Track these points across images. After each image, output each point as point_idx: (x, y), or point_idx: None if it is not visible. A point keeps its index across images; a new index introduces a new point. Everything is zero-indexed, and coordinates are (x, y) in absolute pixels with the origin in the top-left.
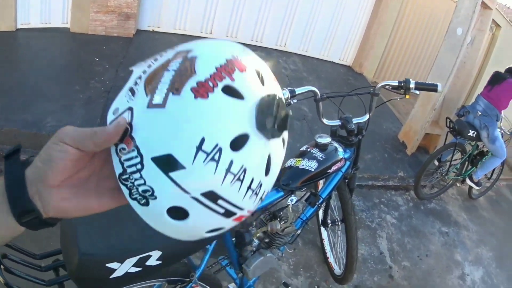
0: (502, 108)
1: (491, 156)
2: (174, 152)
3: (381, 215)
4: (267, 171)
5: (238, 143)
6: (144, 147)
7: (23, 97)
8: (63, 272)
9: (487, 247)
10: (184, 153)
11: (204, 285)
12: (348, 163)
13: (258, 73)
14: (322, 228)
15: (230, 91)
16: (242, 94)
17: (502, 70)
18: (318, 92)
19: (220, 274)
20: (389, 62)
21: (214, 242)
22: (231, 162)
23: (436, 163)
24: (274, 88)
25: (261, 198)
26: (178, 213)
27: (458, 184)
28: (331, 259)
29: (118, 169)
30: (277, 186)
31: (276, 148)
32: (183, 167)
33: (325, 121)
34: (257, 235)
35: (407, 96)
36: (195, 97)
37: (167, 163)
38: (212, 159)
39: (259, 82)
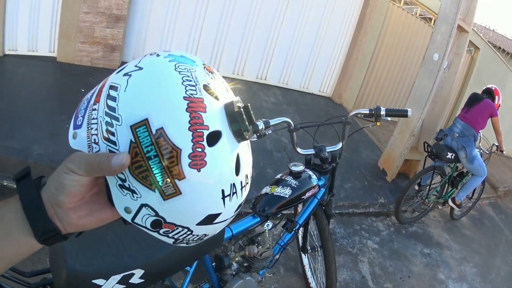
0: (479, 128)
1: (471, 176)
2: (211, 211)
3: (362, 241)
4: (237, 172)
5: (238, 167)
6: (185, 222)
7: (9, 123)
8: None
9: (471, 264)
10: (216, 207)
11: None
12: (323, 190)
13: (223, 82)
14: (303, 254)
15: (213, 139)
16: (219, 132)
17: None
18: (292, 123)
19: None
20: (368, 91)
21: (195, 264)
22: (241, 183)
23: (416, 187)
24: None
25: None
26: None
27: (439, 207)
28: (312, 285)
29: (169, 241)
30: (253, 212)
31: (244, 151)
32: (220, 213)
33: (299, 150)
34: (236, 259)
35: (378, 123)
36: (198, 170)
37: (209, 219)
38: (234, 192)
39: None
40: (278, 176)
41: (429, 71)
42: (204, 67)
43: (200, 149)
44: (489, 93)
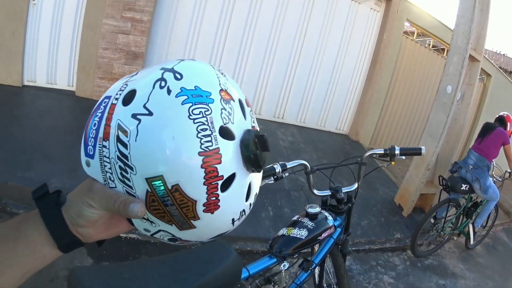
0: (492, 158)
1: (485, 203)
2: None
3: (378, 276)
4: (247, 198)
5: (248, 194)
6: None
7: (27, 154)
8: None
9: None
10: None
11: None
12: (339, 229)
13: (241, 104)
14: None
15: (227, 184)
16: (233, 174)
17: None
18: (308, 165)
19: None
20: (384, 127)
21: None
22: (250, 205)
23: (432, 220)
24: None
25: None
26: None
27: (455, 238)
28: None
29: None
30: (270, 253)
31: (256, 176)
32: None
33: (316, 192)
34: None
35: (393, 163)
36: (212, 213)
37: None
38: (243, 215)
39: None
40: (295, 217)
41: (443, 104)
42: (221, 98)
43: (214, 198)
44: (501, 121)
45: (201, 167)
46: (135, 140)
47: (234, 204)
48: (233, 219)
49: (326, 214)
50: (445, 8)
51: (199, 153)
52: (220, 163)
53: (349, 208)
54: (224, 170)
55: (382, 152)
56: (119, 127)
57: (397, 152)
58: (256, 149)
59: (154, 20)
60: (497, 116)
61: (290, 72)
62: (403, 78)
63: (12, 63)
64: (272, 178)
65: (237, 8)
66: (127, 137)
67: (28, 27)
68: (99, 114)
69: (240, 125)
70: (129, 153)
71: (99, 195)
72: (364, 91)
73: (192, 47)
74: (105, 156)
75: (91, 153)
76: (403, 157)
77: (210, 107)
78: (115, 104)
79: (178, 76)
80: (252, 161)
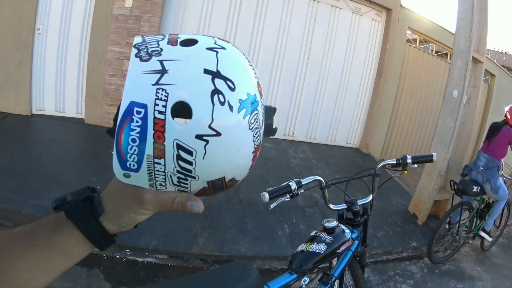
0: (501, 157)
1: (495, 202)
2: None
3: (397, 285)
4: None
5: None
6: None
7: (39, 182)
8: None
9: None
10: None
11: None
12: (356, 242)
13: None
14: None
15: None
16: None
17: (502, 118)
18: (323, 181)
19: None
20: (394, 137)
21: None
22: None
23: (447, 226)
24: None
25: None
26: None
27: (470, 241)
28: None
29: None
30: (290, 269)
31: None
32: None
33: (331, 206)
34: None
35: (406, 172)
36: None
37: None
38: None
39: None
40: (313, 233)
41: (450, 109)
42: (260, 95)
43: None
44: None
45: (251, 160)
46: (203, 158)
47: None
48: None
49: (343, 227)
50: (444, 12)
51: (252, 152)
52: (259, 150)
53: (365, 220)
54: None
55: (395, 162)
56: (180, 147)
57: (409, 161)
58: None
59: None
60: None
61: (297, 89)
62: (409, 86)
63: (20, 92)
64: (288, 195)
65: (240, 30)
66: (192, 156)
67: (34, 56)
68: (137, 129)
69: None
70: (193, 168)
71: (153, 204)
72: (372, 102)
73: None
74: (157, 170)
75: (133, 167)
76: (416, 166)
77: (258, 110)
78: (163, 119)
79: (231, 86)
80: (270, 131)
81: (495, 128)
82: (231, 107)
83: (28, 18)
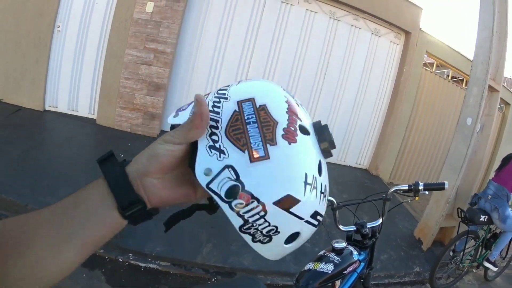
0: (511, 188)
1: (502, 233)
2: (291, 192)
3: None
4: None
5: (320, 169)
6: (263, 196)
7: (49, 180)
8: None
9: None
10: (297, 189)
11: None
12: (363, 264)
13: (301, 105)
14: None
15: (304, 130)
16: (308, 130)
17: None
18: (335, 202)
19: None
20: (404, 160)
21: None
22: (321, 185)
23: (451, 253)
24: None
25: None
26: (292, 237)
27: (474, 270)
28: None
29: (237, 223)
30: (296, 287)
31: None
32: (299, 201)
33: (341, 227)
34: None
35: (417, 198)
36: (289, 143)
37: (287, 202)
38: (314, 187)
39: (306, 113)
40: (321, 252)
41: (463, 136)
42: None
43: (293, 128)
44: None
45: (285, 102)
46: (236, 85)
47: (308, 156)
48: (306, 176)
49: (352, 249)
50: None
51: (285, 100)
52: (298, 115)
53: (373, 243)
54: (302, 117)
55: (407, 188)
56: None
57: (421, 187)
58: (326, 130)
59: (177, 52)
60: None
61: (311, 105)
62: (423, 111)
63: (34, 87)
64: None
65: (259, 43)
66: (227, 88)
67: (52, 53)
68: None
69: (309, 122)
70: (227, 91)
71: (172, 132)
72: (385, 124)
73: (215, 80)
74: None
75: (184, 108)
76: (427, 192)
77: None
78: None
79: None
80: (328, 145)
81: (508, 159)
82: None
83: (49, 16)
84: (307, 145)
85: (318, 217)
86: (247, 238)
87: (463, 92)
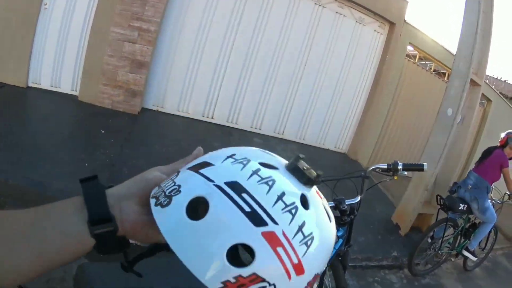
0: (492, 180)
1: (482, 224)
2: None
3: None
4: None
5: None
6: None
7: (30, 156)
8: None
9: None
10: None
11: None
12: (341, 240)
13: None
14: None
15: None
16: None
17: (495, 143)
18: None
19: None
20: (383, 147)
21: None
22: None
23: (429, 240)
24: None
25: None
26: (196, 212)
27: (452, 259)
28: None
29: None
30: None
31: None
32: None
33: None
34: None
35: (396, 178)
36: None
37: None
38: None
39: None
40: None
41: (443, 126)
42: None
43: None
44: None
45: None
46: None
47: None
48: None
49: None
50: (447, 33)
51: None
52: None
53: (351, 220)
54: None
55: (386, 167)
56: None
57: (400, 167)
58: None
59: (161, 31)
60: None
61: (292, 89)
62: (403, 100)
63: (19, 64)
64: None
65: (242, 25)
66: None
67: (37, 30)
68: None
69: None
70: None
71: (164, 167)
72: (365, 111)
73: (197, 59)
74: None
75: None
76: (405, 173)
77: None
78: None
79: None
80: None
81: (488, 151)
82: None
83: None
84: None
85: (245, 196)
86: (152, 202)
87: (444, 85)
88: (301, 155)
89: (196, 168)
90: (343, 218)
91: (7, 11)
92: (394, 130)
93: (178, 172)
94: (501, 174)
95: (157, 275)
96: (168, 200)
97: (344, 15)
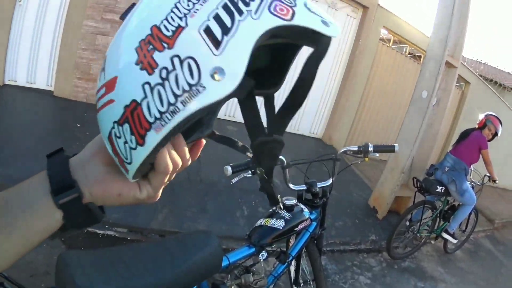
0: (470, 161)
1: (461, 206)
2: None
3: (354, 276)
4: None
5: None
6: None
7: (7, 151)
8: None
9: None
10: None
11: None
12: (314, 223)
13: None
14: None
15: None
16: None
17: (473, 125)
18: (285, 160)
19: None
20: (358, 132)
21: None
22: None
23: (407, 223)
24: None
25: None
26: None
27: (432, 241)
28: None
29: None
30: (249, 243)
31: None
32: None
33: (291, 186)
34: (232, 287)
35: (367, 159)
36: None
37: None
38: None
39: None
40: (272, 209)
41: (418, 109)
42: None
43: None
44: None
45: None
46: None
47: None
48: None
49: (302, 206)
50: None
51: None
52: None
53: (324, 202)
54: None
55: (356, 148)
56: None
57: (370, 149)
58: None
59: None
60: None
61: None
62: (378, 84)
63: None
64: (249, 171)
65: None
66: None
67: (12, 27)
68: None
69: None
70: None
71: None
72: (339, 95)
73: None
74: None
75: None
76: (377, 154)
77: None
78: None
79: None
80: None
81: (466, 133)
82: None
83: None
84: None
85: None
86: None
87: (420, 68)
88: None
89: None
90: (316, 200)
91: None
92: (369, 114)
93: None
94: (480, 156)
95: (138, 261)
96: None
97: (316, 0)
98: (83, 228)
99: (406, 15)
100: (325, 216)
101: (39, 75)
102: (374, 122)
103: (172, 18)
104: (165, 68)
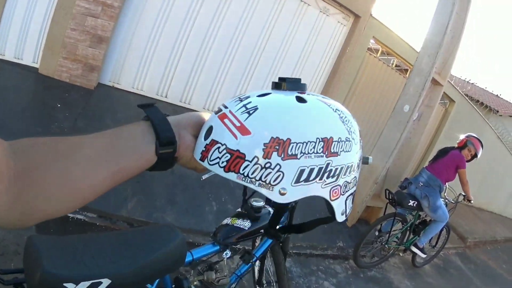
0: (446, 179)
1: (433, 222)
2: None
3: (319, 281)
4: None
5: None
6: None
7: None
8: None
9: None
10: None
11: None
12: (281, 226)
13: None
14: None
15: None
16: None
17: (453, 144)
18: None
19: None
20: None
21: (156, 282)
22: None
23: (376, 233)
24: None
25: None
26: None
27: (401, 254)
28: None
29: None
30: (214, 240)
31: None
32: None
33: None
34: (194, 283)
35: None
36: None
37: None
38: None
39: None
40: (240, 209)
41: (398, 122)
42: None
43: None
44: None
45: None
46: None
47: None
48: None
49: (270, 209)
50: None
51: None
52: None
53: (293, 207)
54: None
55: None
56: None
57: None
58: None
59: (124, 6)
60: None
61: (247, 74)
62: (361, 93)
63: None
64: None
65: (205, 8)
66: None
67: (7, 4)
68: None
69: None
70: None
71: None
72: None
73: (156, 37)
74: None
75: None
76: None
77: None
78: None
79: None
80: None
81: (445, 151)
82: None
83: None
84: None
85: None
86: None
87: (405, 81)
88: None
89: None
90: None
91: None
92: None
93: None
94: (456, 175)
95: (103, 251)
96: None
97: (309, 4)
98: (162, 171)
99: (396, 26)
100: (293, 219)
101: (26, 51)
102: None
103: (298, 145)
104: (278, 164)
